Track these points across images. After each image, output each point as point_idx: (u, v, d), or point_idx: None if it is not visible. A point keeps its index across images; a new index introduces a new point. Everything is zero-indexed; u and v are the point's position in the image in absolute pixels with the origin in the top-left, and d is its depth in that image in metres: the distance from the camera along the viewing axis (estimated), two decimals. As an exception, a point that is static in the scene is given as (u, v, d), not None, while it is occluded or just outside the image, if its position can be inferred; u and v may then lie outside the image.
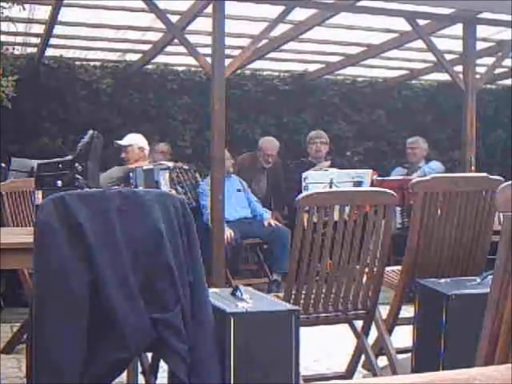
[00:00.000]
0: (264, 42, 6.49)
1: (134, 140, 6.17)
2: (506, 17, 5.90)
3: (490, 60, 6.93)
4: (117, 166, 6.17)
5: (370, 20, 6.35)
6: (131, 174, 5.83)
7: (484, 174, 3.43)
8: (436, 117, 8.89)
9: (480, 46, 6.66)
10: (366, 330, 3.34)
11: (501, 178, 3.28)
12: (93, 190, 2.76)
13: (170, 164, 6.28)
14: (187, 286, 2.47)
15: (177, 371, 2.40)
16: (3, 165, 5.47)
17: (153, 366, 2.85)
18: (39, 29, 6.46)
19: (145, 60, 7.53)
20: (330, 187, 5.62)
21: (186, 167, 6.16)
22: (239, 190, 6.62)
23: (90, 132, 3.20)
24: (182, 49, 6.25)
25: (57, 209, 2.32)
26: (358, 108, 8.71)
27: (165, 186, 5.78)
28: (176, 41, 6.12)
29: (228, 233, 5.92)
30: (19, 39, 6.90)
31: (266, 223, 6.42)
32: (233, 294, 2.78)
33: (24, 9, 5.43)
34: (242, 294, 2.74)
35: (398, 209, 6.24)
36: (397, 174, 7.05)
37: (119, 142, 6.17)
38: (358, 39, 7.13)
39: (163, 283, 2.42)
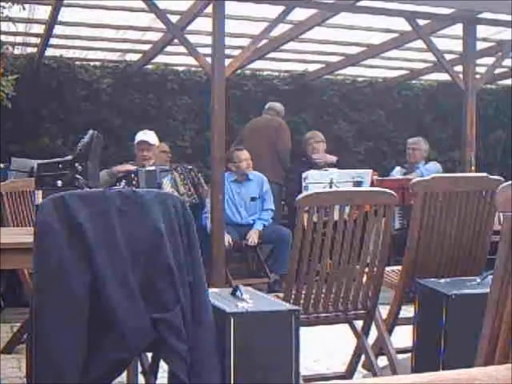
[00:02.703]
0: (264, 42, 6.49)
1: (156, 140, 6.11)
2: (506, 17, 5.90)
3: (490, 60, 6.93)
4: (124, 163, 6.10)
5: (370, 20, 6.36)
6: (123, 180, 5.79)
7: (484, 174, 3.42)
8: (436, 117, 8.90)
9: (480, 45, 6.66)
10: (365, 330, 3.34)
11: (501, 178, 3.28)
12: (93, 190, 2.76)
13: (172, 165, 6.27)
14: (187, 286, 2.47)
15: (177, 371, 2.40)
16: (2, 165, 5.48)
17: (153, 365, 2.85)
18: (39, 29, 6.47)
19: (145, 60, 7.54)
20: (330, 187, 5.62)
21: (189, 166, 6.14)
22: (254, 199, 6.38)
23: (90, 132, 3.20)
24: (182, 49, 6.25)
25: (57, 209, 2.32)
26: (358, 108, 8.71)
27: (167, 188, 5.76)
28: (176, 41, 6.12)
29: (227, 240, 5.85)
30: (19, 39, 6.91)
31: (248, 234, 6.22)
32: (233, 293, 2.77)
33: (24, 9, 5.44)
34: (242, 294, 2.73)
35: (398, 209, 6.24)
36: (396, 174, 7.05)
37: (146, 139, 6.02)
38: (358, 39, 7.14)
39: (163, 283, 2.42)
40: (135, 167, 5.93)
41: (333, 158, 6.84)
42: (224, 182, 5.65)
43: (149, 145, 5.99)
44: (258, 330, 2.55)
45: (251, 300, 2.67)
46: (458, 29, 6.37)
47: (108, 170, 5.89)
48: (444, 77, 7.66)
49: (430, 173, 6.31)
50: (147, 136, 6.04)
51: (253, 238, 6.21)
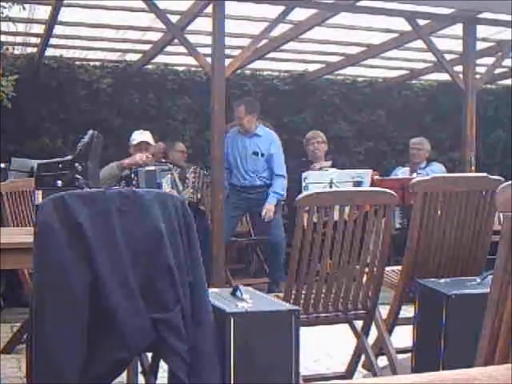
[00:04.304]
0: (264, 41, 6.49)
1: (151, 139, 6.12)
2: (506, 17, 5.91)
3: (490, 60, 6.93)
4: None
5: (370, 20, 6.36)
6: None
7: (484, 174, 3.43)
8: (436, 117, 8.89)
9: (480, 45, 6.66)
10: (366, 330, 3.34)
11: (501, 178, 3.28)
12: (93, 190, 2.75)
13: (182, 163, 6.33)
14: (187, 286, 2.47)
15: (177, 371, 2.40)
16: (3, 165, 5.47)
17: (153, 366, 2.85)
18: (39, 29, 6.46)
19: (145, 60, 7.54)
20: (330, 187, 5.62)
21: (206, 173, 6.18)
22: (256, 154, 6.14)
23: (90, 132, 3.20)
24: (182, 49, 6.25)
25: (57, 209, 2.32)
26: (358, 108, 8.71)
27: (167, 188, 5.76)
28: (176, 41, 6.12)
29: None
30: (19, 39, 6.91)
31: (263, 211, 6.03)
32: (233, 294, 2.78)
33: (24, 9, 5.44)
34: (241, 294, 2.74)
35: (398, 209, 6.24)
36: (401, 174, 7.00)
37: (145, 139, 5.99)
38: (358, 39, 7.13)
39: (163, 283, 2.42)
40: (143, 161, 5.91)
41: (328, 163, 6.79)
42: (224, 181, 5.66)
43: (148, 144, 6.00)
44: (258, 330, 2.55)
45: (251, 300, 2.68)
46: (458, 29, 6.36)
47: (118, 162, 5.86)
48: (444, 77, 7.66)
49: (435, 174, 6.31)
50: (145, 136, 6.04)
51: (269, 215, 6.04)
